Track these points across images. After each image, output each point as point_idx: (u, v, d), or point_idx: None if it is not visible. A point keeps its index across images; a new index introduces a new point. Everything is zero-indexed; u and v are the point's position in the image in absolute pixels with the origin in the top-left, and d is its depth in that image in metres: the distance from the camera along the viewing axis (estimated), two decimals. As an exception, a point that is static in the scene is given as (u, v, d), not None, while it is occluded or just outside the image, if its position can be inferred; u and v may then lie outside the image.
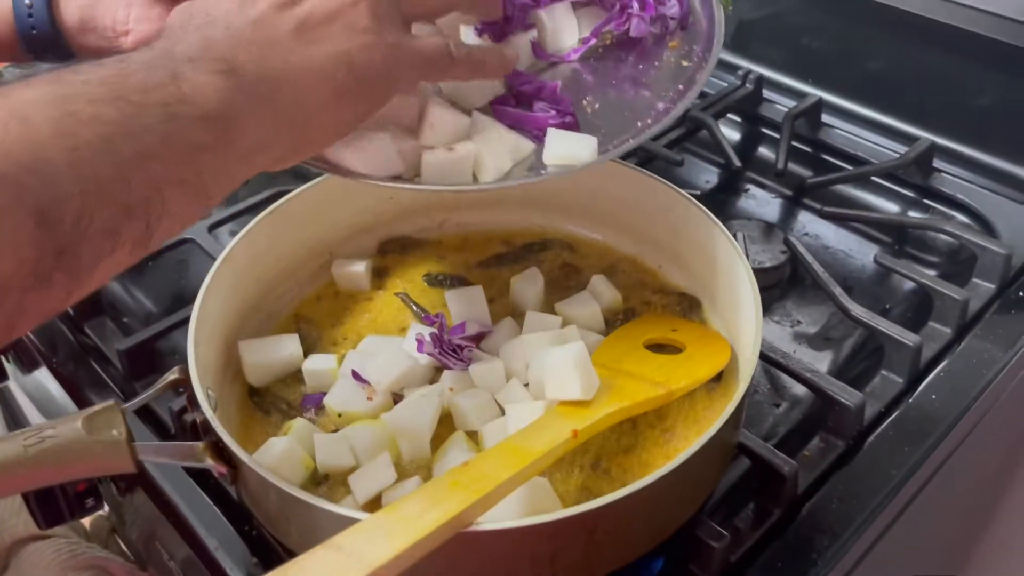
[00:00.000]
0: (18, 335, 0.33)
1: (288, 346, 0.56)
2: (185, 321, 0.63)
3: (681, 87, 0.51)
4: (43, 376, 0.78)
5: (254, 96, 0.39)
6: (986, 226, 0.73)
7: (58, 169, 0.32)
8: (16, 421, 0.97)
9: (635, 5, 0.53)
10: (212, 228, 0.72)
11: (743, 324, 0.54)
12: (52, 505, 0.66)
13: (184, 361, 0.51)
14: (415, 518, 0.38)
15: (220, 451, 0.46)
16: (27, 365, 0.76)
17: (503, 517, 0.43)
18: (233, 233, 0.71)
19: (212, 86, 0.37)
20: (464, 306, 0.58)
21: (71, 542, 0.74)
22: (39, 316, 0.33)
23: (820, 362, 0.66)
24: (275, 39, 0.41)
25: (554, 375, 0.48)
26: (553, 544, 0.42)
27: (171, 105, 0.36)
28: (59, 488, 0.65)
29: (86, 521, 0.82)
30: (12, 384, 0.87)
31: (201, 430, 0.48)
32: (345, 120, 0.43)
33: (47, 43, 0.64)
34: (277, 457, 0.48)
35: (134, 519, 0.71)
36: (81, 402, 0.63)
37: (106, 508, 0.71)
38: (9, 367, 0.79)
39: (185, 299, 0.72)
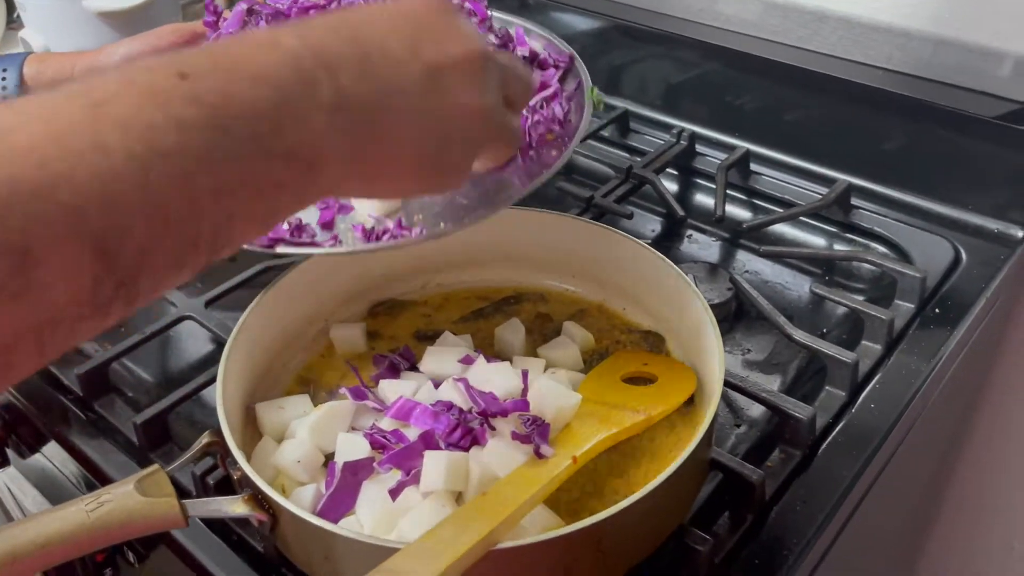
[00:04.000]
0: (65, 350, 0.32)
1: (301, 405, 0.61)
2: (192, 394, 0.69)
3: (543, 171, 0.58)
4: (42, 460, 0.82)
5: (350, 139, 0.37)
6: (902, 254, 0.83)
7: (127, 201, 0.30)
8: (6, 510, 0.98)
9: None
10: (208, 304, 0.77)
11: (705, 354, 0.61)
12: (71, 577, 0.69)
13: (196, 429, 0.57)
14: (451, 541, 0.44)
15: (259, 501, 0.51)
16: (29, 448, 0.79)
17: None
18: (226, 308, 0.77)
19: (312, 123, 0.35)
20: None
21: (83, 615, 0.76)
22: (88, 338, 0.32)
23: (771, 384, 0.73)
24: (403, 88, 0.39)
25: (550, 393, 0.55)
26: (568, 555, 0.48)
27: (263, 138, 0.34)
28: (78, 560, 0.68)
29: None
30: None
31: (239, 484, 0.53)
32: (429, 184, 0.43)
33: None
34: (310, 500, 0.53)
35: (146, 586, 0.74)
36: (99, 476, 0.67)
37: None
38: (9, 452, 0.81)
39: (183, 372, 0.77)
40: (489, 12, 0.66)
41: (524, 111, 0.61)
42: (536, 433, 0.54)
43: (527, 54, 0.65)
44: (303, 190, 0.37)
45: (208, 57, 0.34)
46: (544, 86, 0.63)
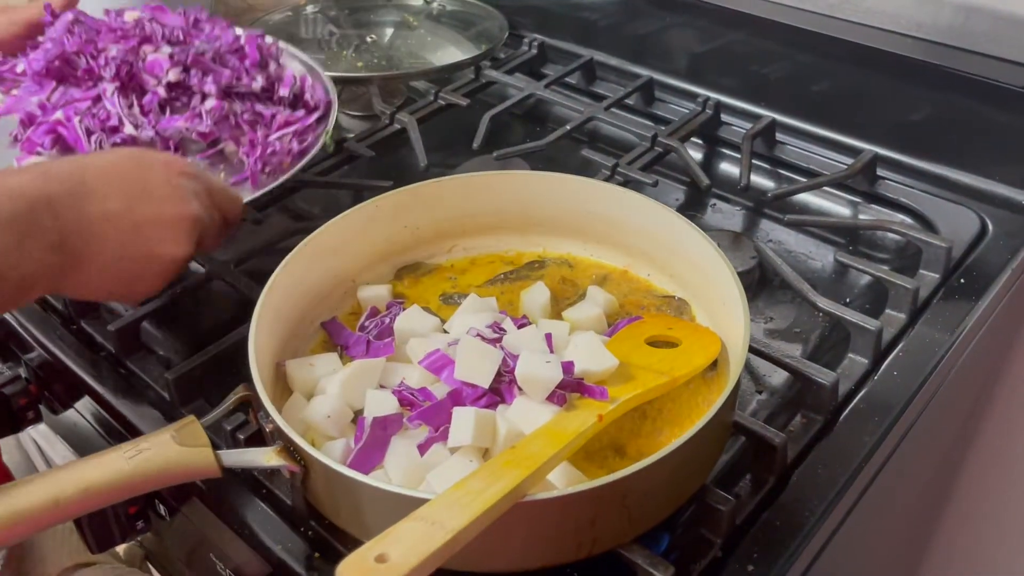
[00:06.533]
0: None
1: (330, 363, 0.62)
2: (222, 352, 0.70)
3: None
4: (73, 416, 0.83)
5: (57, 271, 0.53)
6: (927, 224, 0.83)
7: None
8: (32, 466, 1.01)
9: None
10: (236, 265, 0.78)
11: (730, 318, 0.62)
12: (104, 529, 0.71)
13: (226, 386, 0.58)
14: (480, 492, 0.45)
15: (291, 453, 0.52)
16: (62, 404, 0.80)
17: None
18: (253, 270, 0.78)
19: (40, 262, 0.51)
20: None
21: (115, 567, 0.78)
22: None
23: (793, 351, 0.74)
24: (107, 236, 0.54)
25: (587, 353, 0.56)
26: (593, 509, 0.49)
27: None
28: (112, 512, 0.70)
29: (120, 550, 0.87)
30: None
31: (270, 437, 0.54)
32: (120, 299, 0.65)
33: None
34: (340, 454, 0.54)
35: (175, 539, 0.76)
36: (131, 431, 0.68)
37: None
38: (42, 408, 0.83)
39: (211, 332, 0.78)
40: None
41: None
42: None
43: (285, 94, 0.81)
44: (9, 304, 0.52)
45: None
46: (289, 123, 0.79)
